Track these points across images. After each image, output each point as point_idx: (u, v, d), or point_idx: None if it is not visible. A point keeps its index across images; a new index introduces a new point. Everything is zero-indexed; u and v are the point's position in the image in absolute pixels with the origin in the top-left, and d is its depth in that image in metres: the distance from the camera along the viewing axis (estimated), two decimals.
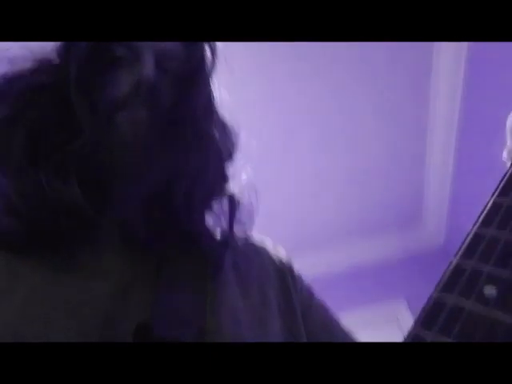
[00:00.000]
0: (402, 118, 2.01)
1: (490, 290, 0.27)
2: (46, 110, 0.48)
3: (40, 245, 0.47)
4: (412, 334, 0.27)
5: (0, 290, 0.44)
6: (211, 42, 0.56)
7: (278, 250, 0.64)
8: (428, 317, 0.27)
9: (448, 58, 1.79)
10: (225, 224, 0.57)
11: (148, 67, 0.49)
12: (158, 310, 0.46)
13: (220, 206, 0.57)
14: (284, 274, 0.60)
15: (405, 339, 0.27)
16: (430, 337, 0.26)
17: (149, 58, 0.50)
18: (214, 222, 0.57)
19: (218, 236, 0.56)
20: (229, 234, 0.56)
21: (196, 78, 0.54)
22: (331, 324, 0.61)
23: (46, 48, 0.52)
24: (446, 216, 2.39)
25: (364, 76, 1.85)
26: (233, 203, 0.57)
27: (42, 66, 0.51)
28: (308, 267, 0.66)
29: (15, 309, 0.42)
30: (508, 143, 0.38)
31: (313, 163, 2.10)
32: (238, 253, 0.57)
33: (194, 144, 0.52)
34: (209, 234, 0.56)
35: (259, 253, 0.61)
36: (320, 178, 2.17)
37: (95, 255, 0.49)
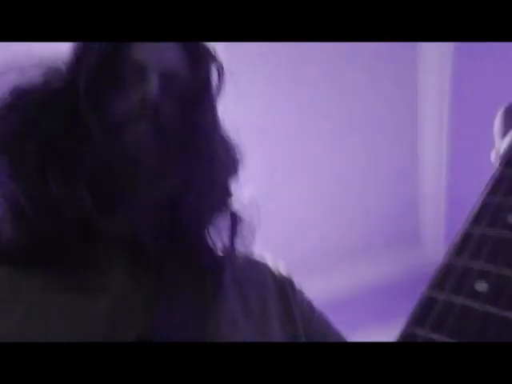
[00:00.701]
0: (391, 139, 2.02)
1: (481, 286, 0.27)
2: (55, 120, 0.50)
3: (42, 257, 0.47)
4: (404, 332, 0.26)
5: (1, 303, 0.44)
6: (218, 63, 0.58)
7: (278, 264, 0.64)
8: (420, 314, 0.27)
9: (434, 62, 1.80)
10: (226, 239, 0.58)
11: (152, 87, 0.51)
12: (159, 322, 0.46)
13: (222, 222, 0.58)
14: (284, 287, 0.61)
15: (398, 338, 0.26)
16: (422, 333, 0.26)
17: (154, 77, 0.52)
18: (216, 236, 0.58)
19: (220, 251, 0.57)
20: (230, 250, 0.57)
21: (201, 97, 0.56)
22: (333, 335, 0.61)
23: (55, 60, 0.54)
24: (443, 233, 2.38)
25: (346, 95, 1.86)
26: (234, 219, 0.58)
27: (52, 79, 0.53)
28: (306, 293, 0.66)
29: (16, 321, 0.43)
30: (496, 145, 0.38)
31: (304, 186, 2.09)
32: (238, 268, 0.58)
33: (199, 160, 0.54)
34: (210, 249, 0.57)
35: (259, 267, 0.62)
36: (313, 203, 2.15)
37: (97, 269, 0.49)
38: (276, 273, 0.62)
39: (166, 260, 0.51)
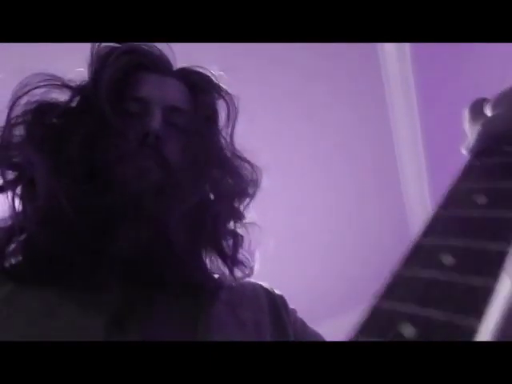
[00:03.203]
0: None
1: (447, 259, 0.27)
2: (87, 129, 0.53)
3: (46, 274, 0.49)
4: (370, 306, 0.26)
5: (2, 317, 0.46)
6: (226, 94, 0.62)
7: (273, 289, 0.65)
8: (387, 290, 0.27)
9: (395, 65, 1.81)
10: (227, 260, 0.60)
11: (156, 121, 0.53)
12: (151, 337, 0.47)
13: (225, 243, 0.59)
14: (278, 309, 0.61)
15: (364, 313, 0.26)
16: (387, 306, 0.26)
17: (157, 111, 0.54)
18: (216, 260, 0.59)
19: (217, 270, 0.58)
20: (228, 270, 0.59)
21: (205, 129, 0.59)
22: None
23: (76, 79, 0.58)
24: None
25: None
26: (237, 241, 0.59)
27: (76, 94, 0.57)
28: None
29: (15, 335, 0.44)
30: (468, 137, 0.39)
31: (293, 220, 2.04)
32: (234, 289, 0.59)
33: (206, 187, 0.57)
34: (207, 272, 0.59)
35: (255, 290, 0.63)
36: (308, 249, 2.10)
37: (95, 287, 0.50)
38: (271, 295, 0.63)
39: (164, 280, 0.52)
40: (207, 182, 0.57)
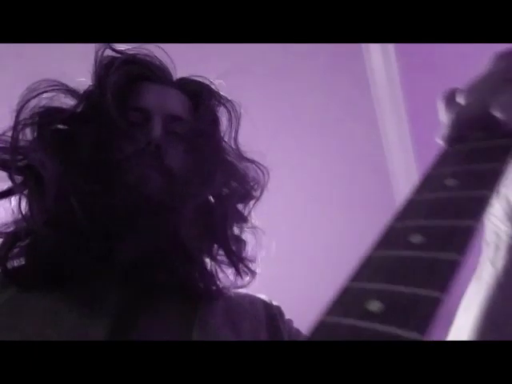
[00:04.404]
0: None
1: (416, 238, 0.27)
2: (92, 131, 0.54)
3: (49, 278, 0.50)
4: (342, 287, 0.26)
5: (2, 327, 0.46)
6: (227, 102, 0.63)
7: (271, 300, 0.66)
8: (356, 271, 0.27)
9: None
10: (233, 260, 0.60)
11: (156, 130, 0.54)
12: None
13: (231, 244, 0.59)
14: (276, 319, 0.61)
15: (336, 292, 0.26)
16: (356, 285, 0.26)
17: (157, 121, 0.55)
18: (217, 264, 0.59)
19: (218, 279, 0.59)
20: (235, 270, 0.60)
21: (205, 136, 0.60)
22: None
23: (82, 86, 0.60)
24: None
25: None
26: (240, 248, 0.59)
27: (82, 101, 0.58)
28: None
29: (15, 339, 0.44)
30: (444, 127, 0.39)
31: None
32: (232, 299, 0.59)
33: (208, 193, 0.57)
34: (208, 278, 0.58)
35: (253, 303, 0.63)
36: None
37: (96, 292, 0.51)
38: (268, 306, 0.63)
39: (165, 284, 0.53)
40: (211, 186, 0.58)
